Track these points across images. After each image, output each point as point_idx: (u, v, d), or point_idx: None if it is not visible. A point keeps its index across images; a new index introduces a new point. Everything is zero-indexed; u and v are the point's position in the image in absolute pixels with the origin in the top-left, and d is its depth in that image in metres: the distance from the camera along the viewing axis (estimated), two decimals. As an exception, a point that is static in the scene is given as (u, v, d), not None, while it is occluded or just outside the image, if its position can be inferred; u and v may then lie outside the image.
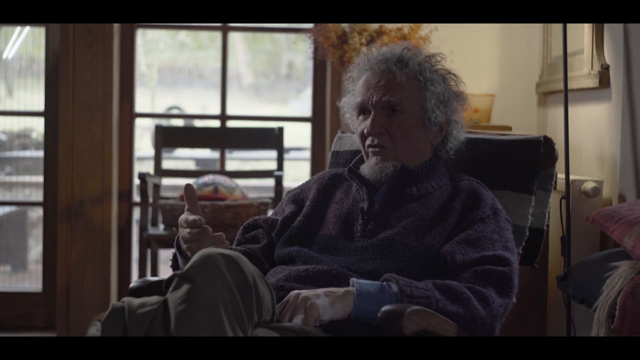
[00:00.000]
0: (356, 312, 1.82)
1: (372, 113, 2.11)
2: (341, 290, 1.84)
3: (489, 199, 2.07)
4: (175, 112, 8.33)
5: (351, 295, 1.83)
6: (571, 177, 2.81)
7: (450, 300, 1.83)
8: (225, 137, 4.27)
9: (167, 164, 4.39)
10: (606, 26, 2.92)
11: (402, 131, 2.10)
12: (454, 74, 2.19)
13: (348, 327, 1.83)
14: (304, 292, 1.83)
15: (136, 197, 4.26)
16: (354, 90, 2.19)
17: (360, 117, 2.15)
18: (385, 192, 2.12)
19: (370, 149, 2.13)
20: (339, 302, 1.81)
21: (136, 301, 1.72)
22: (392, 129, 2.10)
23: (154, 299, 1.72)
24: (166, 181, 4.43)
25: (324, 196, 2.20)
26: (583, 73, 3.03)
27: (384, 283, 1.85)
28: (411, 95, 2.10)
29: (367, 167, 2.13)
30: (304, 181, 2.34)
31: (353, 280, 1.86)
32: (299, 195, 2.27)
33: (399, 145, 2.10)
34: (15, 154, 4.57)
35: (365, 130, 2.12)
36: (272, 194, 3.99)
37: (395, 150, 2.10)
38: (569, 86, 3.04)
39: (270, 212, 3.94)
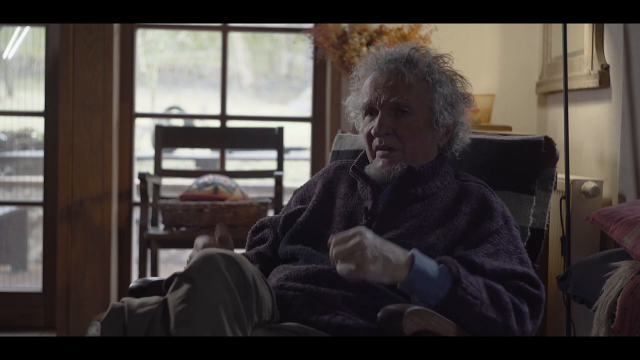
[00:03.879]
0: (403, 285, 1.81)
1: (380, 113, 2.09)
2: (395, 263, 1.78)
3: (499, 207, 2.06)
4: (175, 112, 8.33)
5: (402, 270, 1.79)
6: (571, 177, 2.81)
7: (494, 306, 1.83)
8: (225, 137, 4.26)
9: (167, 164, 4.39)
10: (606, 26, 2.92)
11: (409, 132, 2.08)
12: (460, 76, 2.18)
13: (349, 327, 1.83)
14: (368, 250, 1.75)
15: (136, 197, 4.26)
16: (360, 89, 2.18)
17: (367, 118, 2.14)
18: (389, 192, 2.11)
19: (378, 151, 2.11)
20: (387, 277, 1.78)
21: (136, 301, 1.72)
22: (399, 129, 2.08)
23: (154, 299, 1.72)
24: (166, 181, 4.43)
25: (329, 190, 2.19)
26: (583, 73, 3.03)
27: (442, 266, 1.83)
28: (419, 97, 2.09)
29: (374, 169, 2.12)
30: (305, 180, 2.33)
31: (414, 252, 1.82)
32: (305, 193, 2.26)
33: (407, 147, 2.09)
34: (15, 154, 4.57)
35: (372, 131, 2.11)
36: (272, 194, 3.99)
37: (403, 152, 2.09)
38: (569, 86, 3.04)
39: (270, 213, 3.94)
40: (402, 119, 2.08)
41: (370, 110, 2.13)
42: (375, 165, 2.12)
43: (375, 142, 2.11)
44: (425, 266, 1.82)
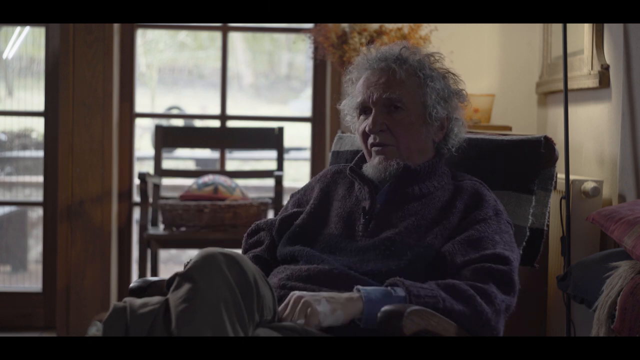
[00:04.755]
0: (366, 321, 1.81)
1: (373, 111, 2.11)
2: (343, 296, 1.83)
3: (491, 200, 2.08)
4: (175, 112, 8.33)
5: (353, 302, 1.81)
6: (571, 177, 2.81)
7: (456, 299, 1.83)
8: (225, 137, 4.26)
9: (167, 164, 4.39)
10: (606, 26, 2.92)
11: (403, 128, 2.10)
12: (452, 73, 2.19)
13: (349, 327, 1.83)
14: (306, 296, 1.82)
15: (136, 197, 4.26)
16: (354, 91, 2.19)
17: (362, 117, 2.15)
18: (387, 191, 2.12)
19: (373, 148, 2.12)
20: (340, 310, 1.80)
21: (138, 301, 1.72)
22: (393, 126, 2.10)
23: (156, 299, 1.73)
24: (166, 181, 4.43)
25: (327, 194, 2.20)
26: (583, 73, 3.03)
27: (389, 288, 1.84)
28: (411, 92, 2.11)
29: (371, 167, 2.13)
30: (305, 182, 2.34)
31: (359, 287, 1.85)
32: (302, 197, 2.27)
33: (401, 142, 2.10)
34: (15, 154, 4.57)
35: (367, 128, 2.12)
36: (272, 194, 3.99)
37: (397, 148, 2.10)
38: (569, 86, 3.04)
39: (270, 213, 3.94)
40: (395, 114, 2.10)
41: (364, 109, 2.15)
42: (372, 163, 2.13)
43: (370, 139, 2.12)
44: (374, 293, 1.82)
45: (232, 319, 1.65)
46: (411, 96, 2.11)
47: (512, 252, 1.98)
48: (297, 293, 1.84)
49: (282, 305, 1.85)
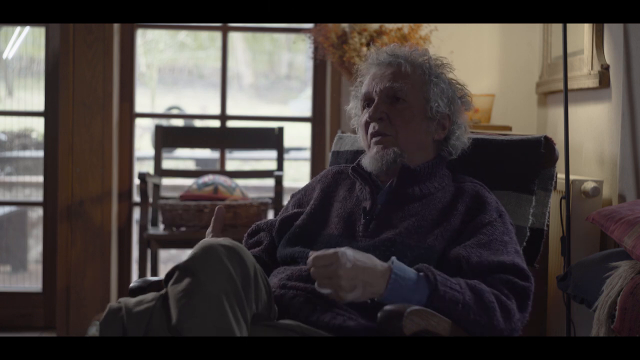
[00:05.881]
0: (385, 299, 1.79)
1: (376, 100, 2.12)
2: (374, 287, 1.78)
3: (493, 202, 2.07)
4: (175, 112, 8.33)
5: (383, 283, 1.78)
6: (571, 177, 2.81)
7: (477, 306, 1.81)
8: (225, 137, 4.27)
9: (167, 164, 4.39)
10: (606, 26, 2.92)
11: (403, 119, 2.10)
12: (459, 84, 2.20)
13: (349, 328, 1.83)
14: (344, 279, 1.74)
15: (136, 197, 4.27)
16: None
17: (365, 109, 2.17)
18: (387, 191, 2.12)
19: (372, 139, 2.13)
20: (366, 297, 1.78)
21: (132, 300, 1.72)
22: (394, 116, 2.10)
23: (150, 296, 1.73)
24: (166, 181, 4.43)
25: (327, 195, 2.20)
26: (583, 73, 3.03)
27: (422, 274, 1.82)
28: (415, 86, 2.12)
29: (368, 157, 2.13)
30: (305, 182, 2.34)
31: (395, 271, 1.80)
32: (303, 198, 2.27)
33: (400, 134, 2.10)
34: (15, 154, 4.57)
35: (367, 116, 2.13)
36: (272, 194, 3.99)
37: (396, 138, 2.11)
38: (569, 86, 3.04)
39: (270, 213, 3.94)
40: (397, 105, 2.11)
41: (368, 102, 2.16)
42: (370, 153, 2.13)
43: (370, 128, 2.13)
44: (403, 276, 1.80)
45: (234, 310, 1.65)
46: (414, 89, 2.12)
47: (523, 260, 1.98)
48: (337, 267, 1.75)
49: (322, 252, 1.77)
